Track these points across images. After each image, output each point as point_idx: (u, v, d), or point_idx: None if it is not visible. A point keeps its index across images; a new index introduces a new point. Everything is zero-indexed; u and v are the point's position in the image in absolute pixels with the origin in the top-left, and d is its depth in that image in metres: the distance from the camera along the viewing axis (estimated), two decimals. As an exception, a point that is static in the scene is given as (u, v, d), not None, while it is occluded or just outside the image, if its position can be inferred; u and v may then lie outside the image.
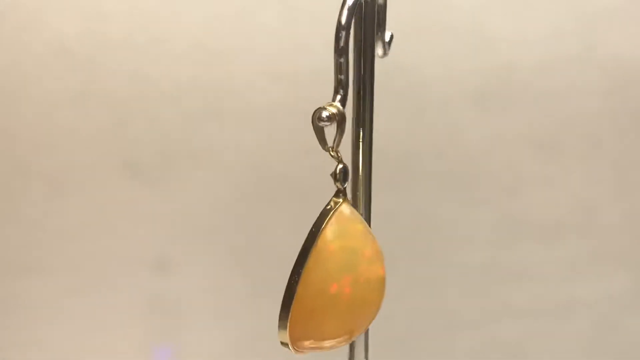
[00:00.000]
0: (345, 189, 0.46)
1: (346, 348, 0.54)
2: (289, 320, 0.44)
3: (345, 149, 0.49)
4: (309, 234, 0.45)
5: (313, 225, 0.45)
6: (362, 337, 0.53)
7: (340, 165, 0.45)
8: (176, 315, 0.90)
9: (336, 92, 0.44)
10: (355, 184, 0.50)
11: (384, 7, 0.48)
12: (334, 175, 0.46)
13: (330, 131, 0.45)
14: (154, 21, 0.83)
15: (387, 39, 0.49)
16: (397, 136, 0.87)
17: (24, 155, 0.85)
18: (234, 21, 0.84)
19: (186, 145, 0.86)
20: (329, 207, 0.46)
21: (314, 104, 0.83)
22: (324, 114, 0.44)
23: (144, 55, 0.84)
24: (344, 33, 0.44)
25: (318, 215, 0.46)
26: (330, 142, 0.45)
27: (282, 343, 0.45)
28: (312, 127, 0.44)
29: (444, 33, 0.85)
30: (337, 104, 0.44)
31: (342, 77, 0.44)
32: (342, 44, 0.44)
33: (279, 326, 0.45)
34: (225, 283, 0.89)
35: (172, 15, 0.84)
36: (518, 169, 0.89)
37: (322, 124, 0.44)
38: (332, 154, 0.45)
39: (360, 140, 0.49)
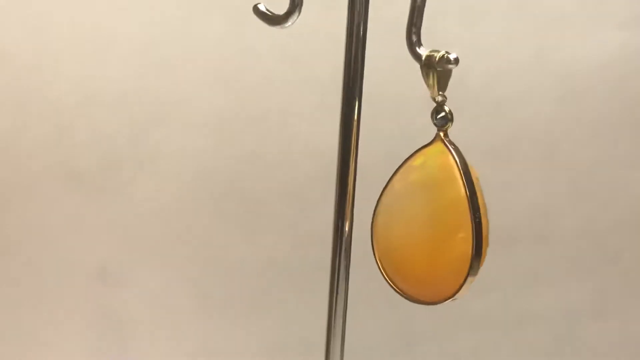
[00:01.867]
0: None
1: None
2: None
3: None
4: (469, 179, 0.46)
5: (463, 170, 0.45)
6: (338, 348, 0.52)
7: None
8: (122, 327, 0.89)
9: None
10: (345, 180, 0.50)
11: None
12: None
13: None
14: (98, 27, 0.82)
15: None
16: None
17: None
18: (180, 27, 0.83)
19: (131, 153, 0.85)
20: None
21: (262, 109, 0.85)
22: (452, 56, 0.46)
23: (88, 62, 0.83)
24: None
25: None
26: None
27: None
28: (426, 75, 0.46)
29: (393, 39, 0.83)
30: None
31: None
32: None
33: (473, 272, 0.45)
34: (172, 294, 0.88)
35: (117, 21, 0.83)
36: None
37: (450, 66, 0.46)
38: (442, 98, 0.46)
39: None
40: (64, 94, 0.83)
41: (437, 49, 0.46)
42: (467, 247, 0.45)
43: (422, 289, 0.47)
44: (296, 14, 0.46)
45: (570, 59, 0.87)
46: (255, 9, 0.45)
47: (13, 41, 0.82)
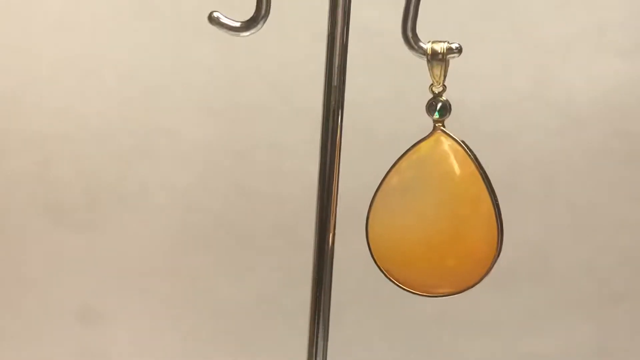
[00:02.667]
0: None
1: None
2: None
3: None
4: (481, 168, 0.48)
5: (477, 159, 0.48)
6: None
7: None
8: (105, 369, 0.87)
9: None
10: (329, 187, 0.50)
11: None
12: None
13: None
14: (82, 55, 0.82)
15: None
16: (342, 177, 0.86)
17: None
18: (167, 55, 0.83)
19: (115, 187, 0.84)
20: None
21: (252, 141, 0.85)
22: (455, 45, 0.49)
23: (71, 91, 0.82)
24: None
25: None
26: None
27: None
28: (431, 63, 0.48)
29: (388, 67, 0.84)
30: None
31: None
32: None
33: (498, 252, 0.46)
34: (158, 333, 0.87)
35: (102, 49, 0.83)
36: None
37: (454, 55, 0.49)
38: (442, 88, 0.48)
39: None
40: (45, 125, 0.82)
41: (435, 40, 0.49)
42: (491, 226, 0.47)
43: (439, 280, 0.48)
44: (260, 23, 0.46)
45: (570, 89, 0.86)
46: (211, 18, 0.44)
47: None
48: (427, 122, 0.51)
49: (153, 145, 0.84)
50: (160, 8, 0.83)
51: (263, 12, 0.45)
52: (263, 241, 0.86)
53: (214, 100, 0.84)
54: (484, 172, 0.48)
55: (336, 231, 0.51)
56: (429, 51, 0.48)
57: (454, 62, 0.84)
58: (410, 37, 0.48)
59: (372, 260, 0.49)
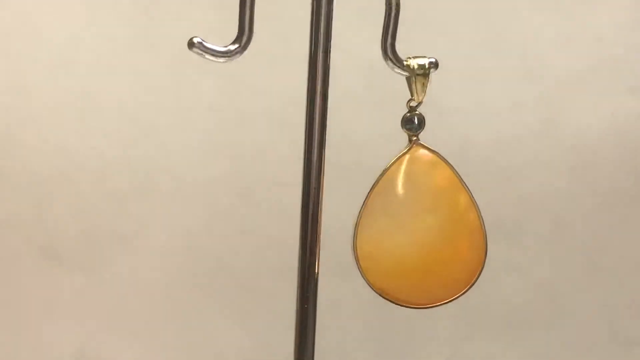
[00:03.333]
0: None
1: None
2: None
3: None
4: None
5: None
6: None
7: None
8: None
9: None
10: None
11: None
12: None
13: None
14: (80, 92, 0.82)
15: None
16: (348, 218, 0.86)
17: None
18: (169, 92, 0.83)
19: (113, 228, 0.84)
20: None
21: (255, 181, 0.84)
22: (433, 60, 0.49)
23: (70, 128, 0.82)
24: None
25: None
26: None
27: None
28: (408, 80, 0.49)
29: (395, 104, 0.83)
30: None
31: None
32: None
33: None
34: None
35: (102, 85, 0.82)
36: None
37: (434, 70, 0.49)
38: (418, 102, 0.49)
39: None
40: (43, 163, 0.82)
41: (413, 55, 0.49)
42: (478, 233, 0.49)
43: (433, 291, 0.49)
44: (240, 48, 0.45)
45: (580, 126, 0.86)
46: (192, 43, 0.44)
47: None
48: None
49: (153, 185, 0.83)
50: (160, 46, 0.82)
51: (245, 37, 0.45)
52: (266, 284, 0.85)
53: (216, 138, 0.84)
54: (464, 181, 0.49)
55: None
56: (415, 66, 0.49)
57: (465, 96, 0.84)
58: (390, 53, 0.49)
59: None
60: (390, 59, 0.49)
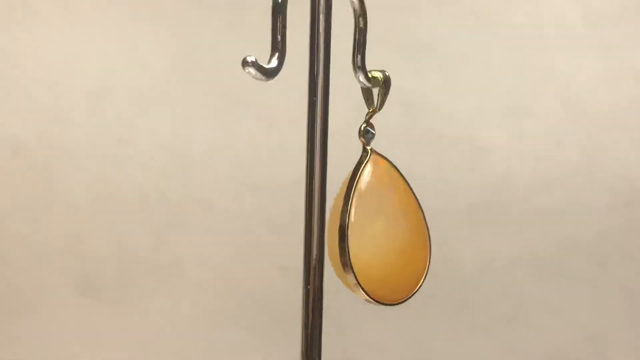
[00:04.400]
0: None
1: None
2: None
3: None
4: None
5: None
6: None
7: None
8: None
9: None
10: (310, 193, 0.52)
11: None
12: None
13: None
14: (117, 123, 0.82)
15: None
16: None
17: None
18: (206, 124, 0.83)
19: (148, 261, 0.83)
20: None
21: (292, 215, 0.84)
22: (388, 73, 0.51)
23: (106, 161, 0.82)
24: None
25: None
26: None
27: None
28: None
29: (435, 142, 0.84)
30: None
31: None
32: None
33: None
34: None
35: (138, 118, 0.83)
36: (517, 293, 0.86)
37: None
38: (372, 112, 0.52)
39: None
40: (80, 195, 0.82)
41: (373, 69, 0.51)
42: (424, 231, 0.51)
43: (404, 288, 0.51)
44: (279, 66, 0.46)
45: (621, 165, 0.85)
46: (245, 62, 0.44)
47: (31, 136, 0.82)
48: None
49: (188, 217, 0.83)
50: (197, 77, 0.83)
51: (279, 54, 0.45)
52: (299, 319, 0.85)
53: (253, 172, 0.84)
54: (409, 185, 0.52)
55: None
56: (381, 78, 0.51)
57: (504, 134, 0.84)
58: (359, 66, 0.50)
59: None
60: (360, 71, 0.51)
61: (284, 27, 0.45)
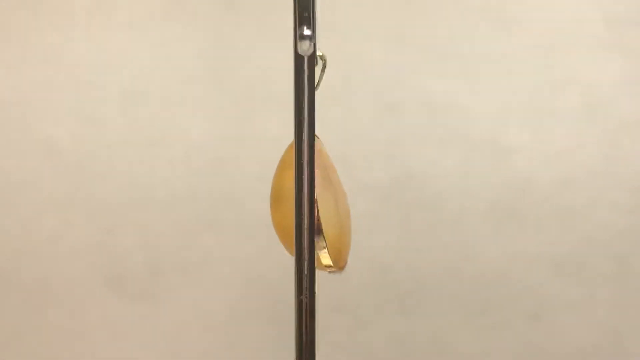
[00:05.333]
0: None
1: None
2: None
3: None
4: None
5: None
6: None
7: None
8: None
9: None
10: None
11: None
12: None
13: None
14: (150, 124, 0.83)
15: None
16: (409, 254, 0.85)
17: (2, 264, 0.83)
18: (236, 125, 0.83)
19: (177, 258, 0.83)
20: None
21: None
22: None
23: (137, 160, 0.83)
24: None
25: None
26: None
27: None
28: None
29: (458, 143, 0.83)
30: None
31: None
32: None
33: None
34: None
35: (169, 119, 0.83)
36: (539, 291, 0.85)
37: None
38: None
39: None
40: (112, 193, 0.82)
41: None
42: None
43: (342, 257, 0.55)
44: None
45: None
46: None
47: (65, 135, 0.82)
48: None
49: (217, 215, 0.83)
50: (230, 79, 0.83)
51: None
52: (328, 317, 0.84)
53: None
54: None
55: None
56: (325, 58, 0.51)
57: (526, 136, 0.83)
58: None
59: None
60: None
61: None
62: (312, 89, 0.51)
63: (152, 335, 0.84)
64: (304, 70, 0.49)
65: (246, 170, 0.83)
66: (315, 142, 0.53)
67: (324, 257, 0.53)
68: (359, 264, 0.84)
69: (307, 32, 0.46)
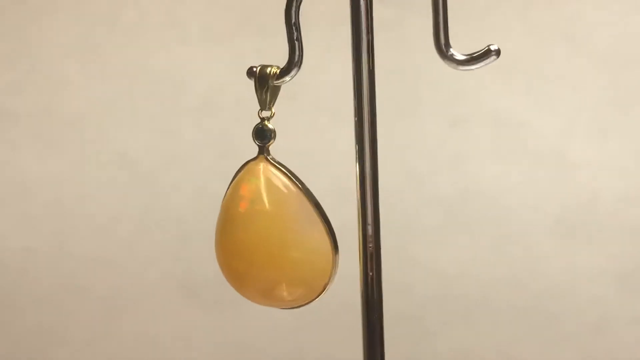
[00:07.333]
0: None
1: None
2: None
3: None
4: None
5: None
6: None
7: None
8: None
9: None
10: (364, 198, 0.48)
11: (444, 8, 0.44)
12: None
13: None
14: (220, 136, 0.83)
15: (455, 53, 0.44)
16: (474, 267, 0.85)
17: (78, 272, 0.84)
18: (305, 138, 0.84)
19: None
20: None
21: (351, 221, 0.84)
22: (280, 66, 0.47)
23: (208, 171, 0.83)
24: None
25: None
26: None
27: None
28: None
29: (525, 158, 0.83)
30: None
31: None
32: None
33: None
34: None
35: (240, 130, 0.82)
36: (604, 305, 0.84)
37: (279, 82, 0.48)
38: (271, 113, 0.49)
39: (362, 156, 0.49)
40: (186, 202, 0.83)
41: (268, 64, 0.48)
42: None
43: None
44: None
45: None
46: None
47: (139, 148, 0.83)
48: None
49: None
50: (301, 92, 0.83)
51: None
52: (391, 326, 0.84)
53: (347, 183, 0.81)
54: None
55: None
56: (258, 73, 0.48)
57: (591, 151, 0.82)
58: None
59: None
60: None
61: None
62: (374, 104, 0.47)
63: (225, 343, 0.85)
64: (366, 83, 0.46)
65: (313, 180, 0.82)
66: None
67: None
68: (425, 275, 0.84)
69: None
